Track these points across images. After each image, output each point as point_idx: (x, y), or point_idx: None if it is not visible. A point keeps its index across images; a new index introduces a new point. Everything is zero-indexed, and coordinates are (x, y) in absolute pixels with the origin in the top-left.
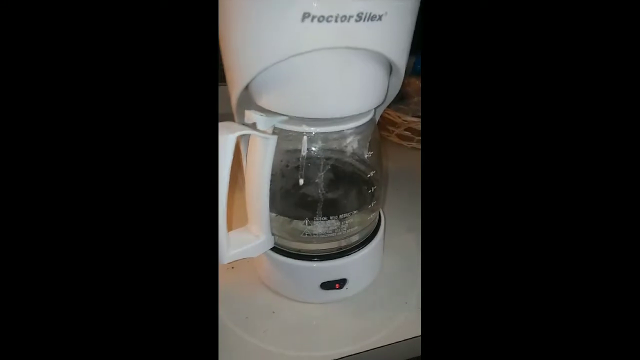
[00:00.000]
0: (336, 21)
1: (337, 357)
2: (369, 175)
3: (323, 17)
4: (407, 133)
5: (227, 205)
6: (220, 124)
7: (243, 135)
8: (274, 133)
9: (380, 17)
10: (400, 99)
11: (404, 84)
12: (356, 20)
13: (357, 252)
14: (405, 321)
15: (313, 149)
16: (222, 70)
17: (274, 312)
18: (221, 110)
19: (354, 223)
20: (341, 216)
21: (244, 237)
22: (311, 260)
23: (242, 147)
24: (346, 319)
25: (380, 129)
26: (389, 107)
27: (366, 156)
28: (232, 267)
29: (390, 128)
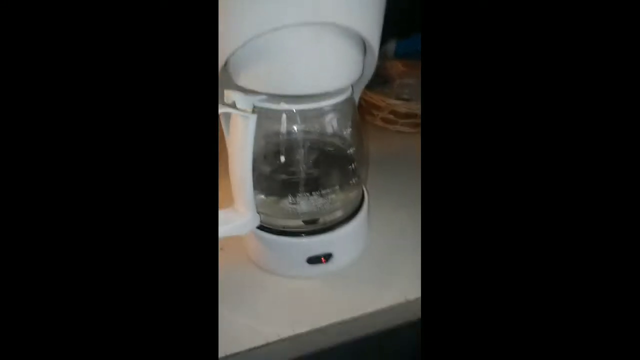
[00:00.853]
0: None
1: (324, 325)
2: (349, 152)
3: None
4: (391, 116)
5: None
6: None
7: (224, 113)
8: (253, 112)
9: None
10: (384, 82)
11: (386, 67)
12: None
13: (342, 227)
14: (389, 291)
15: (293, 127)
16: None
17: (263, 288)
18: None
19: (336, 199)
20: (323, 192)
21: (230, 216)
22: (298, 237)
23: (224, 128)
24: (333, 291)
25: (364, 113)
26: (372, 91)
27: (346, 134)
28: (222, 249)
29: (375, 112)
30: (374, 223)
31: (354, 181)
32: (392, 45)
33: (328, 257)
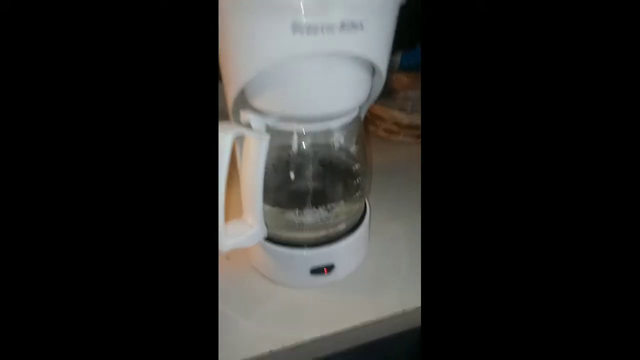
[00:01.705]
0: (322, 30)
1: (325, 334)
2: (354, 168)
3: (310, 27)
4: (394, 127)
5: (224, 199)
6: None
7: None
8: (267, 131)
9: (361, 25)
10: (388, 95)
11: (390, 80)
12: (340, 29)
13: (344, 239)
14: (388, 301)
15: (303, 145)
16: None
17: (267, 298)
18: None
19: (340, 212)
20: (329, 206)
21: (239, 228)
22: (301, 248)
23: (237, 145)
24: (335, 301)
25: (368, 123)
26: (376, 102)
27: (352, 150)
28: (228, 258)
29: (378, 122)
30: (374, 233)
31: (357, 195)
32: (397, 58)
33: (330, 268)
